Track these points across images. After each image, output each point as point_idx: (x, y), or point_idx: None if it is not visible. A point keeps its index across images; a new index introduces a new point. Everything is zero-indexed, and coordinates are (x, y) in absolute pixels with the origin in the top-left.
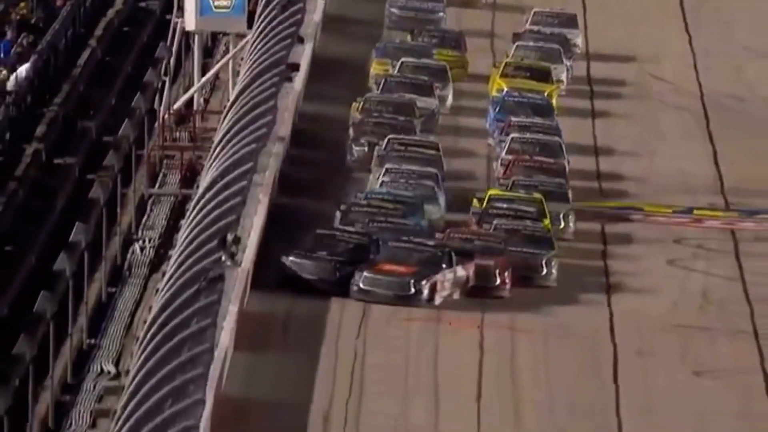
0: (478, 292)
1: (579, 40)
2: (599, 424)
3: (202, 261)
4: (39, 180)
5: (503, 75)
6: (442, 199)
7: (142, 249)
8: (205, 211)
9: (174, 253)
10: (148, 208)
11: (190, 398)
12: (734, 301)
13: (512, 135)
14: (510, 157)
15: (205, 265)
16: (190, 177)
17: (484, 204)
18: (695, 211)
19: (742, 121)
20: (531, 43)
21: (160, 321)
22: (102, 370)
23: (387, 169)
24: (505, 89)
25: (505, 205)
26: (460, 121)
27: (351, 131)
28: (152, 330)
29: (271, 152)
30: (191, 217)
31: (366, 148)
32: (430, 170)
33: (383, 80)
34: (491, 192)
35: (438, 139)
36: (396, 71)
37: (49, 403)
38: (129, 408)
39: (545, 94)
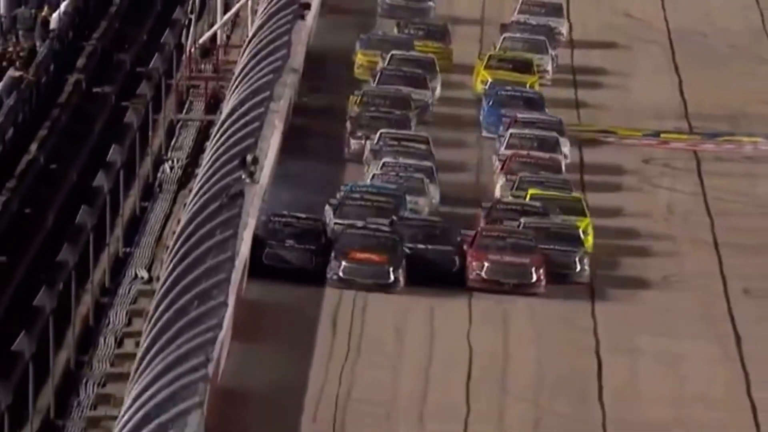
0: (514, 289)
1: (564, 29)
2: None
3: (224, 179)
4: (79, 106)
5: (487, 67)
6: (434, 192)
7: (171, 168)
8: (227, 134)
9: (199, 172)
10: (177, 132)
11: (214, 300)
12: (696, 214)
13: (511, 131)
14: (508, 152)
15: (227, 182)
16: (213, 104)
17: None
18: (662, 135)
19: (705, 53)
20: (518, 35)
21: (187, 232)
22: (136, 275)
23: (384, 163)
24: (490, 80)
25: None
26: (446, 112)
27: (348, 124)
28: (180, 240)
29: (285, 83)
30: (215, 140)
31: (363, 141)
32: (426, 164)
33: (379, 73)
34: (531, 191)
35: (427, 130)
36: (386, 64)
37: (89, 305)
38: (160, 309)
39: (527, 85)
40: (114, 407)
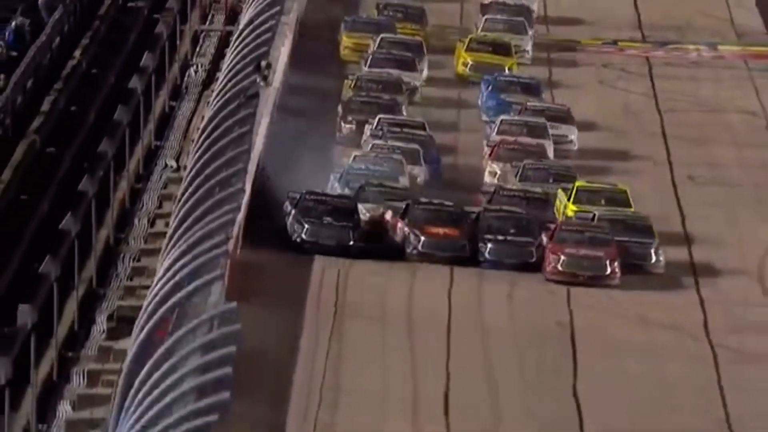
0: (590, 281)
1: (535, 6)
2: None
3: (242, 82)
4: (116, 19)
5: (468, 49)
6: (420, 172)
7: (195, 72)
8: (244, 43)
9: (220, 76)
10: (201, 41)
11: (233, 187)
12: (648, 111)
13: (502, 117)
14: (497, 138)
15: (244, 84)
16: (232, 16)
17: (572, 197)
18: (619, 43)
19: None
20: (498, 16)
21: (210, 128)
22: (166, 165)
23: (373, 146)
24: (470, 62)
25: (586, 196)
26: (432, 93)
27: (340, 109)
28: (204, 134)
29: None
30: (233, 48)
31: (354, 126)
32: (412, 146)
33: (369, 57)
34: (578, 184)
35: (417, 112)
36: (376, 47)
37: (126, 190)
38: (187, 194)
39: (506, 67)
40: (147, 278)
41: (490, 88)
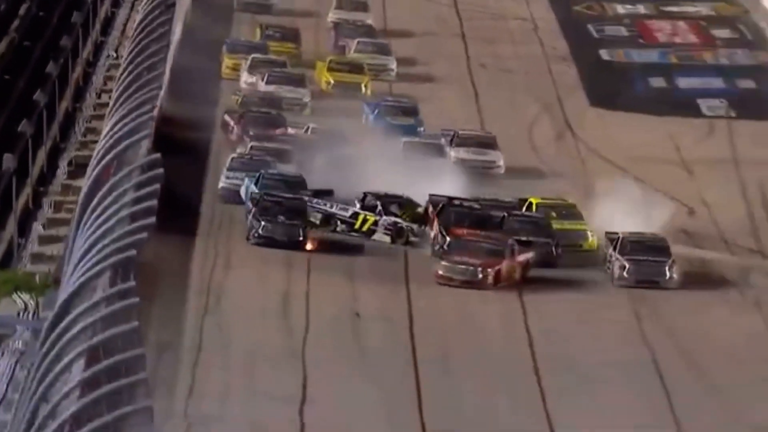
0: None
1: (370, 21)
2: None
3: None
4: None
5: (329, 69)
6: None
7: None
8: None
9: None
10: None
11: (156, 71)
12: (450, 18)
13: (403, 139)
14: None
15: None
16: None
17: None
18: None
19: None
20: (367, 39)
21: (140, 28)
22: (109, 55)
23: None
24: (332, 81)
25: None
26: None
27: (228, 118)
28: (136, 32)
29: None
30: None
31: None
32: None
33: (266, 74)
34: (535, 200)
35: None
36: (248, 66)
37: (80, 72)
38: (123, 75)
39: (362, 84)
40: (96, 136)
41: (376, 112)
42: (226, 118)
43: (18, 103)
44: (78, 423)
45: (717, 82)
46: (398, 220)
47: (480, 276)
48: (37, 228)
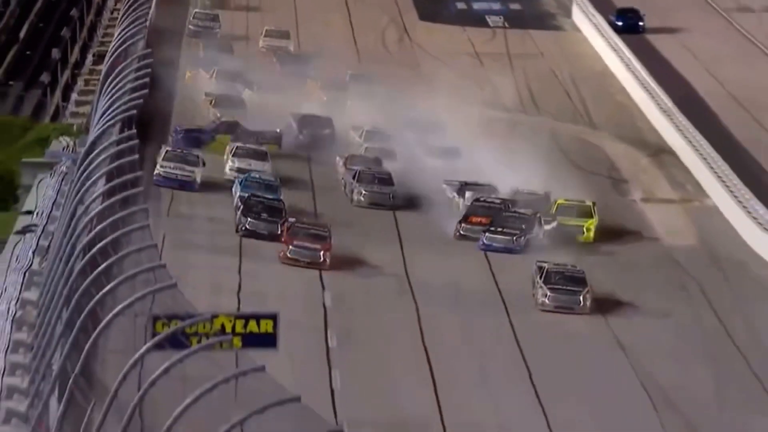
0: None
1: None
2: None
3: None
4: None
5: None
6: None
7: None
8: None
9: None
10: None
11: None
12: None
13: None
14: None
15: None
16: None
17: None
18: None
19: None
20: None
21: None
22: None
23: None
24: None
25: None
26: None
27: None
28: None
29: None
30: None
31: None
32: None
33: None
34: (559, 201)
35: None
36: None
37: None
38: (126, 1)
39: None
40: (110, 38)
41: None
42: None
43: (59, 19)
44: (101, 218)
45: (496, 5)
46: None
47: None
48: (74, 96)
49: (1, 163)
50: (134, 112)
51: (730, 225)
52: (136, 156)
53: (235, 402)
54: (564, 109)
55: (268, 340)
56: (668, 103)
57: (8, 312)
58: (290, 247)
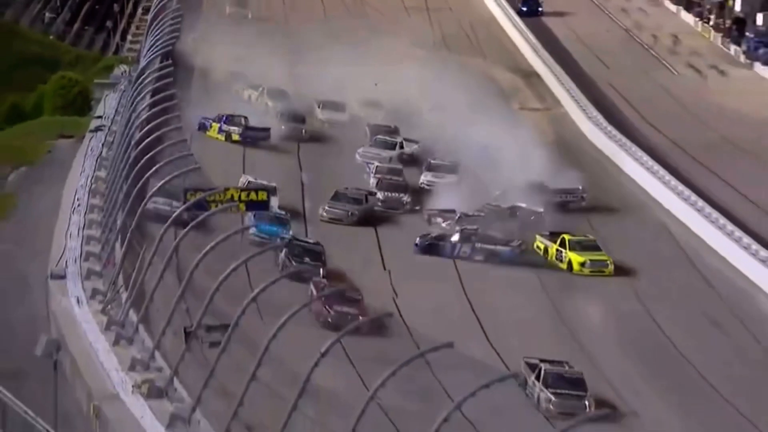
0: None
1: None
2: None
3: None
4: None
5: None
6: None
7: None
8: None
9: None
10: None
11: None
12: None
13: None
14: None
15: None
16: None
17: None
18: None
19: None
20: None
21: None
22: None
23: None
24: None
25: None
26: None
27: None
28: None
29: None
30: None
31: None
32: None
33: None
34: (567, 237)
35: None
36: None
37: None
38: None
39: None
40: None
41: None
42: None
43: None
44: (148, 121)
45: None
46: None
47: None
48: (129, 37)
49: (80, 83)
50: (170, 47)
51: (576, 125)
52: (171, 79)
53: None
54: (466, 47)
55: (263, 206)
56: (536, 42)
57: (86, 185)
58: (330, 312)
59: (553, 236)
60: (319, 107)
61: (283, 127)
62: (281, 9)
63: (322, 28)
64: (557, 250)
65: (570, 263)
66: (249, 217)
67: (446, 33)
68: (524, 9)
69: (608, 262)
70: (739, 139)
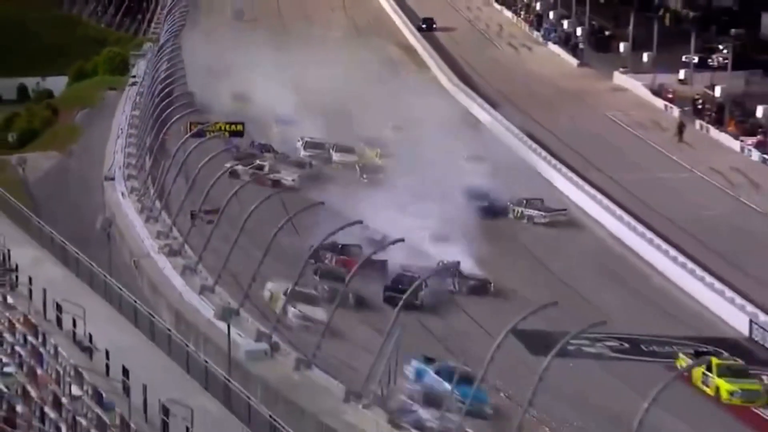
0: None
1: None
2: None
3: None
4: None
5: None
6: None
7: None
8: None
9: None
10: None
11: None
12: None
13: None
14: None
15: None
16: None
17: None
18: None
19: None
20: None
21: None
22: None
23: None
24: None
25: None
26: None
27: None
28: None
29: None
30: None
31: None
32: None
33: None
34: (715, 362)
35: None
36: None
37: None
38: None
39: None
40: None
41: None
42: None
43: None
44: (164, 79)
45: None
46: None
47: None
48: (153, 25)
49: (121, 54)
50: (178, 31)
51: (441, 83)
52: (180, 52)
53: None
54: (370, 31)
55: (240, 134)
56: (413, 28)
57: (126, 120)
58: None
59: (698, 356)
60: (332, 150)
61: None
62: (252, 11)
63: (279, 22)
64: (703, 373)
65: (717, 390)
66: (230, 141)
67: (359, 22)
68: (424, 26)
69: (761, 391)
70: (539, 92)
